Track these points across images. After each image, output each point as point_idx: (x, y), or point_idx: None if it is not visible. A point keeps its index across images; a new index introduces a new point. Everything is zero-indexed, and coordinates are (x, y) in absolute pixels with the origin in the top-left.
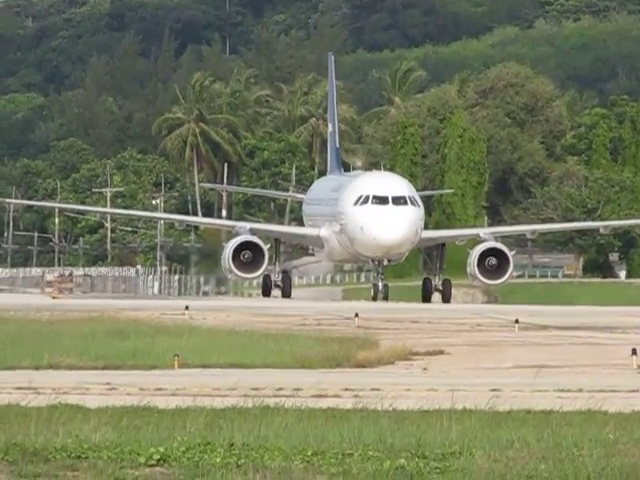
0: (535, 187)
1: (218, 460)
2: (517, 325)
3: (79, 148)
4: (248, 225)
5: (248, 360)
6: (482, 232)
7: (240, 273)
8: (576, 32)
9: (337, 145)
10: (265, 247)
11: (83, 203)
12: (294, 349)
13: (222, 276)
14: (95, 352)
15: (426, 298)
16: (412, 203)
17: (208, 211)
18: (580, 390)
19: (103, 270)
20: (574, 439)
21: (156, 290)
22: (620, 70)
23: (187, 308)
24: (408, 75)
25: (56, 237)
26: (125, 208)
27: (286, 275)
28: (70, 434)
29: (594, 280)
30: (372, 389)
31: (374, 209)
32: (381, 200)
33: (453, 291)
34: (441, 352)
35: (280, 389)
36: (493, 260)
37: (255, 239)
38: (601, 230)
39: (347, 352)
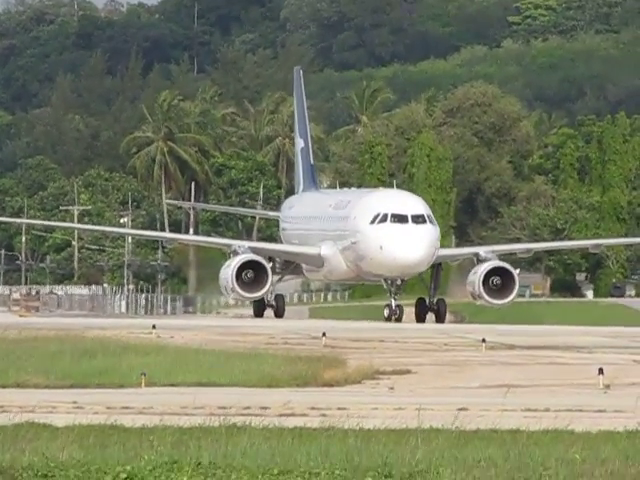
0: (502, 207)
1: (185, 479)
2: (484, 344)
3: (46, 166)
4: (247, 244)
5: (215, 379)
6: (482, 251)
7: (243, 293)
8: (544, 52)
9: (312, 162)
10: (268, 266)
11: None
12: (261, 368)
13: (189, 295)
14: (62, 371)
15: (420, 318)
16: (430, 222)
17: (176, 229)
18: (547, 409)
19: (70, 289)
20: (541, 458)
21: (123, 309)
22: (588, 90)
23: (154, 327)
24: (376, 94)
25: (23, 255)
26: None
27: (279, 295)
28: (37, 452)
29: (561, 299)
30: (339, 408)
31: (394, 228)
32: (400, 219)
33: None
34: (408, 371)
35: (247, 408)
36: (498, 279)
37: (259, 258)
38: (590, 249)
39: (314, 371)
